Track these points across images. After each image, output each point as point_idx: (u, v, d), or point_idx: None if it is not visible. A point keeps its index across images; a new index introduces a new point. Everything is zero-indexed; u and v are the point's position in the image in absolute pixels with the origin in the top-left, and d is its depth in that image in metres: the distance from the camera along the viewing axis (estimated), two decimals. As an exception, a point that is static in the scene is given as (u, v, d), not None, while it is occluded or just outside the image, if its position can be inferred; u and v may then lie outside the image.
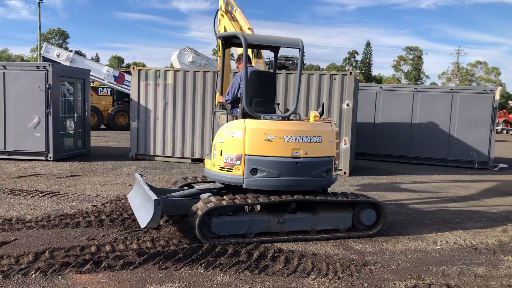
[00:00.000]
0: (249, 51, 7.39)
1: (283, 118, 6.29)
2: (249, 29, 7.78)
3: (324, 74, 12.08)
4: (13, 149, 12.16)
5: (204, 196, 6.38)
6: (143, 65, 45.57)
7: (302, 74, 12.18)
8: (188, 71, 13.19)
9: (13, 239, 5.56)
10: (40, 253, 4.98)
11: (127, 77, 24.09)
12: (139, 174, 6.95)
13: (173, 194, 6.55)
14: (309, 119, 6.38)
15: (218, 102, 7.05)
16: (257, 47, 7.66)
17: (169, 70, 13.31)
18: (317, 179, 6.12)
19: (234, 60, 8.20)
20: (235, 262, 5.05)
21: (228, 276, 4.71)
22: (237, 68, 7.32)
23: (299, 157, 5.96)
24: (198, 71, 13.07)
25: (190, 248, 5.31)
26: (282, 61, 23.03)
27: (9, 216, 6.59)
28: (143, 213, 5.70)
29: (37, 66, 12.09)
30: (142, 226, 5.58)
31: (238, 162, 5.86)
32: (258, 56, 7.49)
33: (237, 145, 5.86)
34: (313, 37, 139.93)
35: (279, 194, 5.91)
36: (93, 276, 4.54)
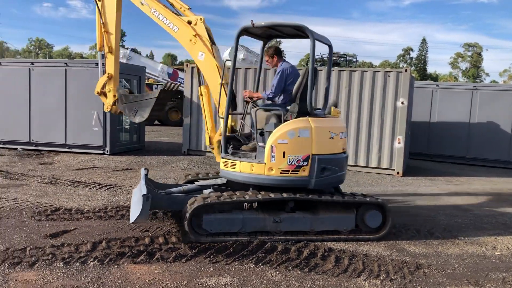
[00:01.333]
0: (206, 36, 6.56)
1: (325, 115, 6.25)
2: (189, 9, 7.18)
3: (378, 71, 11.79)
4: (73, 142, 12.73)
5: (206, 192, 6.19)
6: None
7: (355, 71, 11.97)
8: (239, 68, 13.28)
9: (72, 228, 5.84)
10: (98, 242, 5.20)
11: (180, 74, 24.63)
12: (145, 169, 6.77)
13: (172, 189, 6.45)
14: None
15: (254, 98, 6.38)
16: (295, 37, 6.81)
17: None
18: (345, 173, 6.33)
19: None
20: (285, 259, 5.04)
21: (277, 273, 4.70)
22: (268, 62, 6.61)
23: (345, 152, 6.21)
24: (249, 68, 13.13)
25: (240, 243, 5.36)
26: (334, 58, 22.72)
27: (69, 206, 6.92)
28: (135, 208, 5.54)
29: (96, 63, 12.57)
30: (130, 221, 5.48)
31: (306, 163, 5.64)
32: (214, 43, 7.01)
33: (304, 145, 5.64)
34: (366, 33, 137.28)
35: (281, 192, 5.72)
36: (147, 267, 4.67)
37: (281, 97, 6.27)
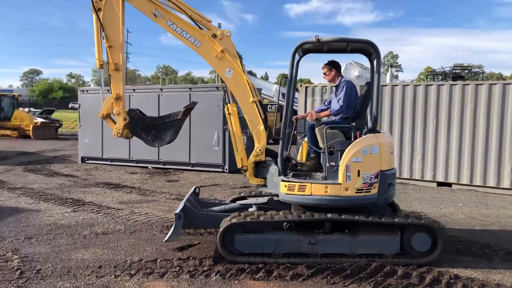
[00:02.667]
0: (234, 51, 6.06)
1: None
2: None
3: (509, 84, 10.80)
4: (196, 161, 13.62)
5: (250, 210, 6.04)
6: (309, 82, 46.75)
7: (481, 84, 11.10)
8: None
9: (197, 242, 6.22)
10: (219, 257, 5.47)
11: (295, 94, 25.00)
12: (195, 187, 6.91)
13: (214, 208, 6.39)
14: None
15: (325, 118, 6.20)
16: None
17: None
18: None
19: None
20: (406, 284, 4.82)
21: (398, 298, 4.51)
22: (325, 76, 6.44)
23: (394, 168, 5.91)
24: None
25: (358, 265, 5.25)
26: (458, 71, 21.27)
27: (193, 221, 7.38)
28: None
29: (217, 87, 13.38)
30: (163, 240, 5.57)
31: (376, 180, 5.46)
32: (240, 57, 6.44)
33: (375, 162, 5.47)
34: (494, 42, 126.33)
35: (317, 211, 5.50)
36: (265, 284, 4.80)
37: (345, 112, 6.07)
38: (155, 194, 9.93)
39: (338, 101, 6.08)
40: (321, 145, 5.86)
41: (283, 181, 5.63)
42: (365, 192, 5.43)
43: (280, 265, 5.23)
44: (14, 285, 4.65)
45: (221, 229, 5.40)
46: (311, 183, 5.50)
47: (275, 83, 30.62)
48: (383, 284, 4.82)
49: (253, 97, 6.02)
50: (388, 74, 21.78)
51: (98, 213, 7.97)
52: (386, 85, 12.62)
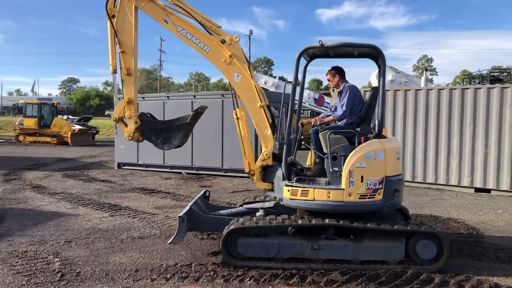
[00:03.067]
0: (243, 56, 6.10)
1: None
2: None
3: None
4: (229, 167, 13.72)
5: (258, 214, 6.09)
6: (341, 86, 46.36)
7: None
8: (388, 90, 12.96)
9: (230, 248, 6.26)
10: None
11: (326, 99, 24.92)
12: (205, 191, 7.14)
13: (221, 212, 6.44)
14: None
15: (330, 123, 6.15)
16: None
17: (368, 91, 13.28)
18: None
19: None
20: (443, 292, 4.72)
21: (435, 306, 4.42)
22: (329, 82, 6.44)
23: (401, 174, 5.81)
24: (398, 90, 12.74)
25: (393, 272, 5.17)
26: (496, 73, 20.66)
27: (227, 227, 7.44)
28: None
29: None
30: (167, 242, 5.71)
31: (381, 186, 5.36)
32: (249, 62, 6.34)
33: (379, 167, 5.38)
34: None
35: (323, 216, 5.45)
36: (299, 290, 4.80)
37: (349, 118, 6.03)
38: (189, 199, 10.07)
39: (341, 107, 6.05)
40: (325, 150, 5.81)
41: (286, 185, 5.62)
42: (369, 198, 5.36)
43: (314, 271, 5.21)
44: (56, 286, 4.82)
45: (223, 235, 5.47)
46: (314, 188, 5.45)
47: (307, 88, 30.55)
48: (419, 291, 4.73)
49: (261, 102, 6.02)
50: (423, 78, 21.32)
51: (134, 217, 8.15)
52: (420, 89, 12.41)
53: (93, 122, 39.77)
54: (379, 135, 5.57)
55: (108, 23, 6.32)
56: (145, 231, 7.20)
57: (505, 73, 22.52)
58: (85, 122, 34.49)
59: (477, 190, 11.28)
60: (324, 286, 4.89)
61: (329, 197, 5.38)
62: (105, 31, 6.35)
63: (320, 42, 5.52)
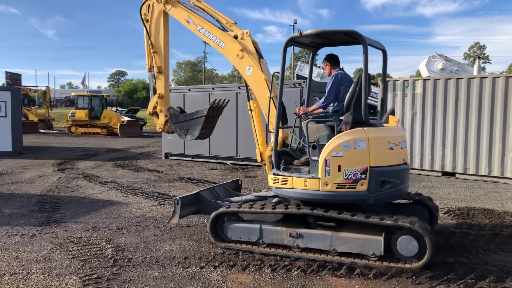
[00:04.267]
0: (253, 50, 6.23)
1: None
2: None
3: None
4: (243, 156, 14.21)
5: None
6: (388, 76, 45.32)
7: None
8: (439, 79, 12.52)
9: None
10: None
11: (373, 89, 24.35)
12: (238, 179, 7.65)
13: (232, 198, 6.64)
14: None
15: (314, 113, 6.09)
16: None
17: (418, 79, 12.89)
18: (407, 186, 5.76)
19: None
20: (500, 288, 4.53)
21: (491, 302, 4.25)
22: (324, 69, 6.49)
23: (406, 163, 5.62)
24: (450, 79, 12.27)
25: (445, 266, 5.02)
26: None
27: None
28: None
29: (294, 84, 13.38)
30: (166, 222, 6.62)
31: (363, 176, 5.11)
32: (261, 56, 6.37)
33: (361, 157, 5.13)
34: None
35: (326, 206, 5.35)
36: (347, 281, 4.75)
37: (335, 105, 5.91)
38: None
39: (326, 94, 6.00)
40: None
41: (274, 174, 5.73)
42: (348, 188, 5.16)
43: (309, 261, 5.13)
44: (109, 272, 4.99)
45: (210, 218, 5.86)
46: (292, 177, 5.47)
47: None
48: (474, 286, 4.56)
49: (271, 93, 6.12)
50: (475, 66, 20.45)
51: (182, 206, 8.30)
52: (473, 78, 11.90)
53: (140, 113, 40.83)
54: (366, 123, 5.33)
55: (144, 27, 7.09)
56: (193, 219, 7.33)
57: None
58: (133, 114, 35.52)
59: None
60: (373, 278, 4.78)
61: (305, 186, 5.36)
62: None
63: (299, 31, 5.55)
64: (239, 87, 14.81)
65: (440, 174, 12.28)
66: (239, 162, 14.42)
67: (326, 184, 5.23)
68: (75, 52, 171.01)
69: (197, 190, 6.58)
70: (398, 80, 13.17)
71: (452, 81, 12.05)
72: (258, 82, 6.24)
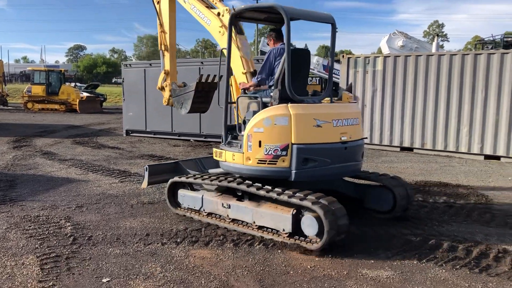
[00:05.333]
0: (237, 33, 6.42)
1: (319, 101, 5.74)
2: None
3: None
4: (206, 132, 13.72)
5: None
6: (349, 53, 45.72)
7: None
8: (399, 56, 12.74)
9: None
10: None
11: (336, 65, 24.58)
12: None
13: (210, 170, 6.78)
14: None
15: (250, 88, 6.10)
16: (292, 19, 5.68)
17: (378, 57, 13.08)
18: (359, 163, 5.80)
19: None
20: (452, 257, 4.74)
21: (443, 270, 4.46)
22: (268, 45, 6.57)
23: (346, 142, 5.49)
24: (409, 56, 12.51)
25: (401, 237, 5.20)
26: (509, 39, 20.19)
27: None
28: None
29: (257, 60, 13.29)
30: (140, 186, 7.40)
31: (284, 152, 5.13)
32: (240, 32, 6.50)
33: (282, 134, 5.14)
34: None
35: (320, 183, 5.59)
36: (307, 256, 4.84)
37: (269, 81, 5.93)
38: (198, 166, 10.10)
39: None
40: (241, 115, 5.97)
41: (220, 148, 5.97)
42: (269, 164, 5.23)
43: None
44: (69, 250, 4.90)
45: (167, 185, 6.33)
46: (225, 151, 5.73)
47: (315, 55, 30.12)
48: (428, 257, 4.76)
49: (244, 69, 6.32)
50: (434, 44, 20.96)
51: (144, 183, 8.21)
52: (432, 55, 12.18)
53: (100, 89, 39.75)
54: (293, 100, 5.32)
55: (154, 8, 7.66)
56: (155, 196, 7.27)
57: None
58: (92, 90, 34.47)
59: (487, 157, 11.21)
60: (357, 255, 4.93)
61: (233, 160, 5.56)
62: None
63: (233, 7, 5.92)
64: (201, 62, 14.60)
65: (398, 149, 12.63)
66: (202, 139, 14.32)
67: (249, 159, 5.35)
68: (30, 25, 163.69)
69: (177, 160, 7.10)
70: (359, 57, 13.33)
71: (412, 58, 12.30)
72: (234, 58, 6.33)
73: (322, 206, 4.74)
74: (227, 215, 5.64)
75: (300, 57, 5.76)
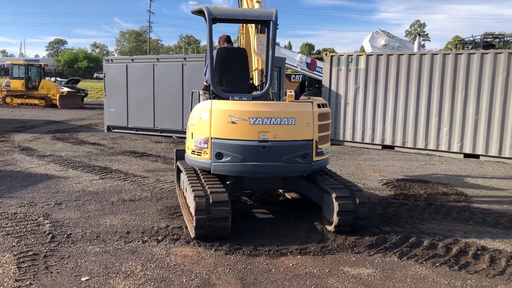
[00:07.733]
0: (253, 26, 6.64)
1: (254, 99, 5.78)
2: (257, 1, 6.94)
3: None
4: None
5: None
6: (332, 51, 45.91)
7: (514, 53, 10.71)
8: (381, 54, 12.84)
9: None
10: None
11: (318, 63, 24.64)
12: None
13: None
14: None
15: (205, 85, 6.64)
16: (224, 21, 6.01)
17: (361, 55, 13.16)
18: (290, 165, 5.38)
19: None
20: (432, 255, 4.79)
21: (424, 268, 4.50)
22: (218, 44, 6.98)
23: (267, 141, 5.30)
24: (391, 55, 12.62)
25: (382, 236, 5.24)
26: (489, 39, 20.55)
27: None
28: None
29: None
30: None
31: (206, 145, 5.45)
32: (262, 31, 6.44)
33: (204, 127, 5.45)
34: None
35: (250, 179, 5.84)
36: (301, 258, 4.85)
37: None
38: (180, 163, 10.03)
39: None
40: None
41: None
42: (197, 154, 5.64)
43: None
44: (47, 248, 4.81)
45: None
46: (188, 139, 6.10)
47: (298, 52, 30.15)
48: (408, 254, 4.81)
49: (255, 66, 6.38)
50: (416, 43, 21.15)
51: (125, 180, 8.12)
52: (414, 54, 12.30)
53: (81, 84, 39.17)
54: (218, 96, 5.76)
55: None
56: (136, 193, 7.19)
57: (497, 39, 22.38)
58: (73, 85, 33.94)
59: (466, 155, 11.39)
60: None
61: (188, 148, 6.02)
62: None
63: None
64: (184, 58, 14.49)
65: (380, 147, 12.74)
66: (184, 136, 14.19)
67: (188, 148, 5.95)
68: (9, 17, 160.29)
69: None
70: (342, 55, 13.39)
71: (394, 57, 12.40)
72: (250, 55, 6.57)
73: (197, 202, 4.93)
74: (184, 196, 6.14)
75: (233, 56, 6.23)
